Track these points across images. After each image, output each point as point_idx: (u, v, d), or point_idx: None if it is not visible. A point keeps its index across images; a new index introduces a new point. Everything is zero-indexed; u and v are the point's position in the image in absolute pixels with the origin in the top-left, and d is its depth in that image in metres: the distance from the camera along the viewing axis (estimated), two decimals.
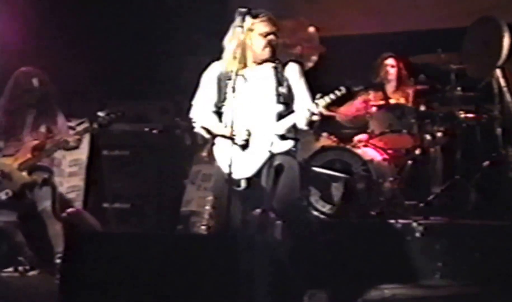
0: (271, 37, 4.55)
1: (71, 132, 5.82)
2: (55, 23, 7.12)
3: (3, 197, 5.72)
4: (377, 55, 6.65)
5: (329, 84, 4.53)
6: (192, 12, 7.55)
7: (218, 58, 4.66)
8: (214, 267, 3.67)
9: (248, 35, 4.49)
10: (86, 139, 6.68)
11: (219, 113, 4.61)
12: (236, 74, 4.40)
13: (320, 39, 6.41)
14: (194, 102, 4.73)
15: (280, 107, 4.54)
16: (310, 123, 4.50)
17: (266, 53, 4.56)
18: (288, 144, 4.55)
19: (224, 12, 6.67)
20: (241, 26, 4.45)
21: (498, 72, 6.14)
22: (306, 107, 4.46)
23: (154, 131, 7.19)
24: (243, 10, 4.46)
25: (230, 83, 4.41)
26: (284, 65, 4.61)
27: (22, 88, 5.85)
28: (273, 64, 4.60)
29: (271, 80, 4.57)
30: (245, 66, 4.54)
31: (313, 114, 4.43)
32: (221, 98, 4.55)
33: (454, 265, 5.25)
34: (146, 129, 7.23)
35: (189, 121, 6.89)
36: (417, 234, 5.53)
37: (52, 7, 7.14)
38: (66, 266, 3.92)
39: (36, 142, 5.78)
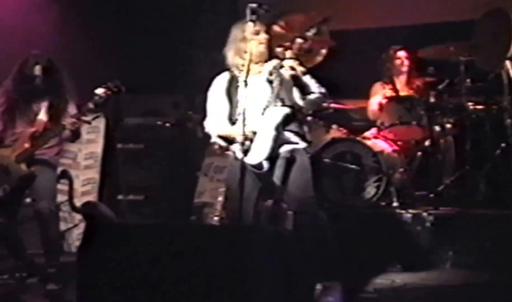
0: (263, 35, 4.55)
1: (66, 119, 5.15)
2: (70, 17, 7.11)
3: (1, 193, 5.08)
4: (387, 48, 6.64)
5: (338, 77, 4.53)
6: (204, 8, 7.56)
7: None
8: (227, 257, 3.66)
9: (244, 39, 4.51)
10: (101, 133, 6.72)
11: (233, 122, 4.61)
12: (242, 80, 4.42)
13: (330, 33, 6.39)
14: (206, 119, 4.73)
15: (287, 110, 4.53)
16: (302, 90, 4.50)
17: (261, 52, 4.55)
18: (294, 138, 4.53)
19: (235, 8, 6.68)
20: (253, 21, 4.43)
21: (507, 63, 6.10)
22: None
23: (167, 125, 7.21)
24: (254, 5, 4.45)
25: (237, 91, 4.46)
26: (281, 66, 4.55)
27: (29, 72, 5.24)
28: (272, 66, 4.57)
29: (266, 84, 4.56)
30: (248, 72, 4.49)
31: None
32: (233, 107, 4.56)
33: (465, 254, 5.25)
34: (159, 123, 7.24)
35: (201, 114, 6.94)
36: (428, 224, 5.54)
37: (71, 7, 7.18)
38: (84, 256, 3.92)
39: (33, 129, 5.17)
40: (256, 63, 4.59)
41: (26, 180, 5.13)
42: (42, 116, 5.20)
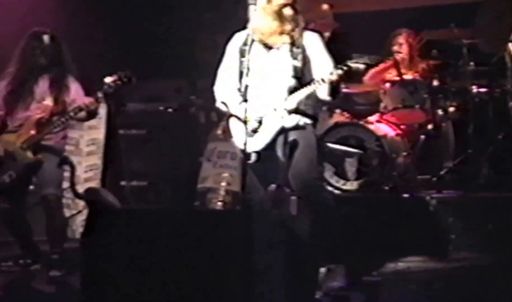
0: (281, 7, 4.44)
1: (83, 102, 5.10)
2: (77, 9, 7.08)
3: (7, 180, 5.02)
4: (390, 31, 6.61)
5: (342, 60, 4.49)
6: None
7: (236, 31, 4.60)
8: (230, 242, 3.68)
9: (265, 8, 4.45)
10: (103, 119, 6.70)
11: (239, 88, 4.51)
12: (253, 44, 4.36)
13: (334, 16, 6.37)
14: (218, 74, 4.66)
15: (293, 81, 4.47)
16: (332, 93, 4.43)
17: (276, 24, 4.45)
18: (298, 119, 4.47)
19: None
20: (254, 3, 4.39)
21: (510, 46, 6.09)
22: (325, 74, 4.39)
23: (169, 110, 7.21)
24: None
25: (249, 56, 4.36)
26: (300, 36, 4.51)
27: (32, 47, 5.16)
28: (289, 36, 4.51)
29: (286, 54, 4.50)
30: (263, 39, 4.46)
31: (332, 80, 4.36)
32: (242, 71, 4.43)
33: (467, 237, 5.25)
34: (162, 108, 7.24)
35: (204, 99, 6.93)
36: (431, 208, 5.54)
37: None
38: (87, 241, 3.93)
39: (40, 115, 5.10)
40: (271, 33, 4.51)
41: (32, 168, 5.09)
42: (48, 101, 5.13)
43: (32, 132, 5.06)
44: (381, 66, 6.37)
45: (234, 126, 4.52)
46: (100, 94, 5.07)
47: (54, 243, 5.13)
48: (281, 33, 4.51)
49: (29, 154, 5.05)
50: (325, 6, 6.38)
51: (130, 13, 7.43)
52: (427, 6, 7.03)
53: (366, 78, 6.45)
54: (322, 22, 6.34)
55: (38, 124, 5.07)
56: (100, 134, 6.81)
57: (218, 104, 4.62)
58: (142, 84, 7.14)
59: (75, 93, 5.18)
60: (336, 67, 4.40)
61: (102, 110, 6.67)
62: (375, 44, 6.54)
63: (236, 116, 4.42)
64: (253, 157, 4.41)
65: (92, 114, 5.18)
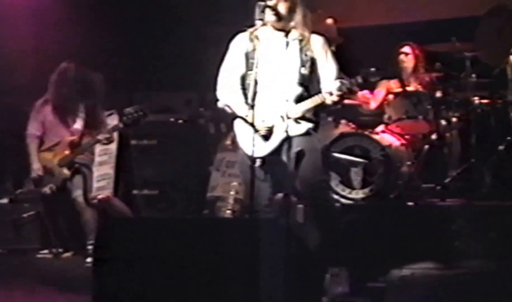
0: (272, 2, 4.42)
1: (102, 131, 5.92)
2: (91, 23, 7.26)
3: (48, 191, 5.87)
4: (393, 45, 6.63)
5: (347, 74, 4.51)
6: (215, 7, 7.57)
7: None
8: (239, 249, 3.67)
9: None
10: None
11: (244, 87, 4.51)
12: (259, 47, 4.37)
13: (338, 30, 6.39)
14: (220, 74, 4.64)
15: (300, 90, 4.47)
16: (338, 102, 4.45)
17: (271, 17, 4.43)
18: (304, 126, 4.47)
19: (245, 6, 6.67)
20: (261, 19, 4.39)
21: (511, 58, 6.11)
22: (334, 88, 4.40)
23: (180, 121, 7.25)
24: (262, 3, 4.43)
25: (254, 56, 4.36)
26: (309, 38, 4.51)
27: (65, 79, 5.95)
28: (296, 36, 4.50)
29: (295, 58, 4.49)
30: (271, 37, 4.47)
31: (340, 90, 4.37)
32: (247, 71, 4.44)
33: (471, 245, 5.24)
34: (172, 119, 7.28)
35: (212, 111, 6.95)
36: (434, 216, 5.54)
37: (86, 7, 7.27)
38: (99, 249, 3.95)
39: (72, 138, 5.90)
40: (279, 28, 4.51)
41: (67, 181, 5.91)
42: (78, 125, 5.94)
43: (66, 152, 5.90)
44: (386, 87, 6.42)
45: (239, 127, 4.54)
46: (121, 125, 5.80)
47: (88, 232, 5.75)
48: (281, 30, 4.51)
49: (65, 170, 5.89)
50: (329, 21, 6.39)
51: (146, 32, 7.53)
52: (429, 20, 7.05)
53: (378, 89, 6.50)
54: (327, 36, 6.35)
55: (71, 145, 5.90)
56: (112, 144, 6.83)
57: (221, 105, 4.62)
58: (154, 96, 7.21)
59: (100, 118, 6.01)
60: (343, 82, 4.41)
61: (114, 121, 6.71)
62: (379, 58, 6.55)
63: (242, 118, 4.43)
64: (258, 162, 4.41)
65: (111, 141, 5.98)
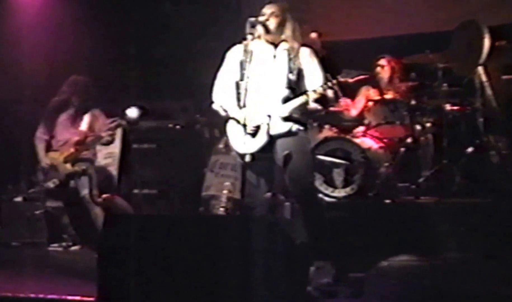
0: (262, 18, 4.48)
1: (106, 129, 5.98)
2: (97, 39, 7.31)
3: (52, 185, 5.94)
4: (373, 57, 6.64)
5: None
6: (209, 22, 7.57)
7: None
8: (231, 242, 3.68)
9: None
10: (118, 135, 6.73)
11: (237, 92, 4.51)
12: (252, 56, 4.39)
13: (322, 44, 6.39)
14: (217, 80, 4.66)
15: (287, 92, 4.50)
16: (321, 102, 4.46)
17: (262, 31, 4.47)
18: (291, 125, 4.49)
19: (237, 21, 6.68)
20: (251, 33, 4.42)
21: (480, 69, 6.13)
22: (317, 86, 4.42)
23: (177, 127, 7.24)
24: (253, 19, 4.46)
25: (247, 65, 4.37)
26: (298, 50, 4.54)
27: (72, 90, 6.11)
28: (286, 47, 4.53)
29: (284, 66, 4.52)
30: (263, 48, 4.50)
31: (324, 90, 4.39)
32: (241, 78, 4.44)
33: (442, 238, 5.25)
34: (170, 125, 7.27)
35: (207, 117, 6.95)
36: (409, 212, 5.55)
37: (92, 22, 7.29)
38: (103, 244, 3.95)
39: (78, 138, 5.98)
40: (270, 41, 4.53)
41: (71, 176, 5.95)
42: (83, 127, 6.04)
43: (72, 150, 5.97)
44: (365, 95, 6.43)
45: (232, 128, 4.54)
46: (123, 123, 5.87)
47: (94, 229, 5.74)
48: (272, 43, 4.53)
49: (68, 166, 5.95)
50: (313, 35, 6.39)
51: (145, 45, 7.55)
52: (404, 34, 7.05)
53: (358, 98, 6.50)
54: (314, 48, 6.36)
55: (76, 144, 5.97)
56: (116, 148, 6.85)
57: (216, 107, 4.63)
58: (153, 104, 7.19)
59: (102, 122, 6.08)
60: (326, 80, 4.43)
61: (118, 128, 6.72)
62: (359, 69, 6.57)
63: (234, 119, 4.44)
64: (248, 158, 4.40)
65: (111, 141, 6.04)
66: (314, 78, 4.52)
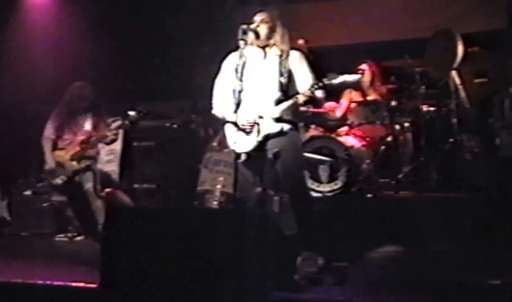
0: (253, 25, 4.51)
1: (109, 129, 6.07)
2: (98, 41, 7.35)
3: (59, 182, 6.01)
4: (356, 61, 6.65)
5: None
6: (204, 28, 7.60)
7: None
8: (224, 234, 3.71)
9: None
10: (120, 134, 6.76)
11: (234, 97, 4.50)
12: (246, 62, 4.43)
13: (308, 49, 6.43)
14: (215, 86, 4.67)
15: (279, 94, 4.52)
16: (310, 102, 4.50)
17: (253, 37, 4.49)
18: (283, 125, 4.52)
19: (230, 28, 6.72)
20: (243, 39, 4.44)
21: (454, 73, 6.20)
22: (305, 87, 4.45)
23: (174, 126, 7.25)
24: (245, 26, 4.48)
25: (242, 70, 4.41)
26: (287, 53, 4.56)
27: (75, 95, 6.17)
28: (278, 52, 4.56)
29: (275, 70, 4.54)
30: (255, 54, 4.52)
31: (310, 93, 4.42)
32: (236, 83, 4.46)
33: (419, 229, 5.28)
34: (168, 124, 7.28)
35: (203, 117, 6.97)
36: (390, 206, 5.59)
37: (93, 26, 7.36)
38: (106, 235, 3.98)
39: (83, 137, 6.05)
40: (262, 46, 4.55)
41: (77, 173, 6.01)
42: (88, 127, 6.12)
43: (77, 148, 6.04)
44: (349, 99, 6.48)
45: (229, 130, 4.57)
46: (126, 123, 5.98)
47: (99, 218, 5.81)
48: (263, 48, 4.57)
49: (75, 163, 6.01)
50: (300, 41, 6.41)
51: (144, 49, 7.57)
52: (385, 41, 7.10)
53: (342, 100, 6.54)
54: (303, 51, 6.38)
55: (81, 143, 6.04)
56: (117, 146, 6.88)
57: (216, 113, 4.66)
58: (152, 104, 7.22)
59: (105, 122, 6.18)
60: (314, 83, 4.47)
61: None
62: (343, 72, 6.61)
63: (231, 122, 4.47)
64: (243, 157, 4.44)
65: (114, 140, 6.14)
66: (304, 80, 4.54)
